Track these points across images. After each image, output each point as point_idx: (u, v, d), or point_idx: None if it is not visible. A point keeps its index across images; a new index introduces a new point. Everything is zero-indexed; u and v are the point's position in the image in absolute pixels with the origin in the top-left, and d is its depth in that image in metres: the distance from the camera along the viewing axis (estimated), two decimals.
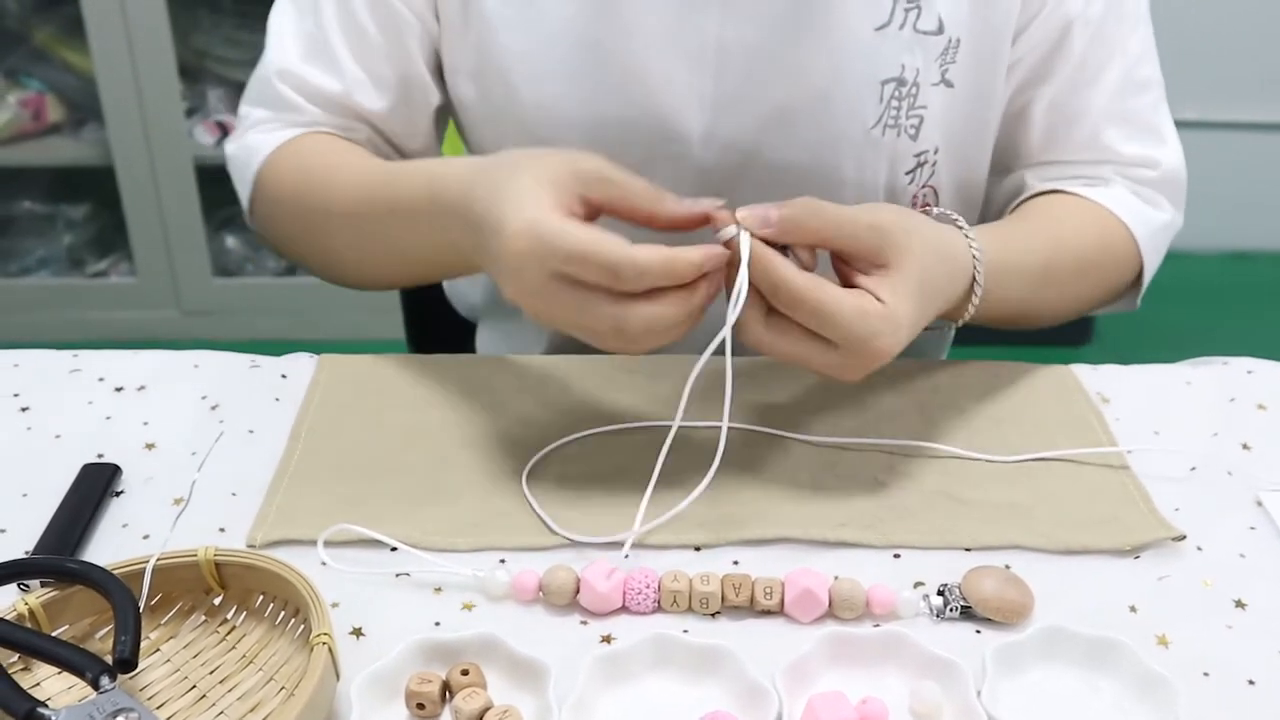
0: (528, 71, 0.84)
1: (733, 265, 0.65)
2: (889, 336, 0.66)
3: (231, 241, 2.34)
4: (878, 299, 0.66)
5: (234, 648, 0.62)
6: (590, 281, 0.63)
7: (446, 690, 0.58)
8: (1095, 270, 0.88)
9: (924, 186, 0.87)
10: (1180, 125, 0.93)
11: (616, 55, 0.82)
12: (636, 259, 0.62)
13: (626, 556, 0.68)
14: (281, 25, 0.87)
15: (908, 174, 0.87)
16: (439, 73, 0.89)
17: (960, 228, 0.76)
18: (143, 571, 0.60)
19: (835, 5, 0.80)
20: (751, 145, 0.85)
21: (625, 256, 0.62)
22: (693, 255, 0.63)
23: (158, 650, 0.62)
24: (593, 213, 0.67)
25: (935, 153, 0.86)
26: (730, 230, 0.65)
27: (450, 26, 0.85)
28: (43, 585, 0.61)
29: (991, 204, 0.95)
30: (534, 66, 0.83)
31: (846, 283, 0.68)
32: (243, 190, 0.89)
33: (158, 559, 0.61)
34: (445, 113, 0.93)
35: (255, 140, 0.87)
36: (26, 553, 0.67)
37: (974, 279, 0.75)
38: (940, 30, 0.82)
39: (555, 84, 0.83)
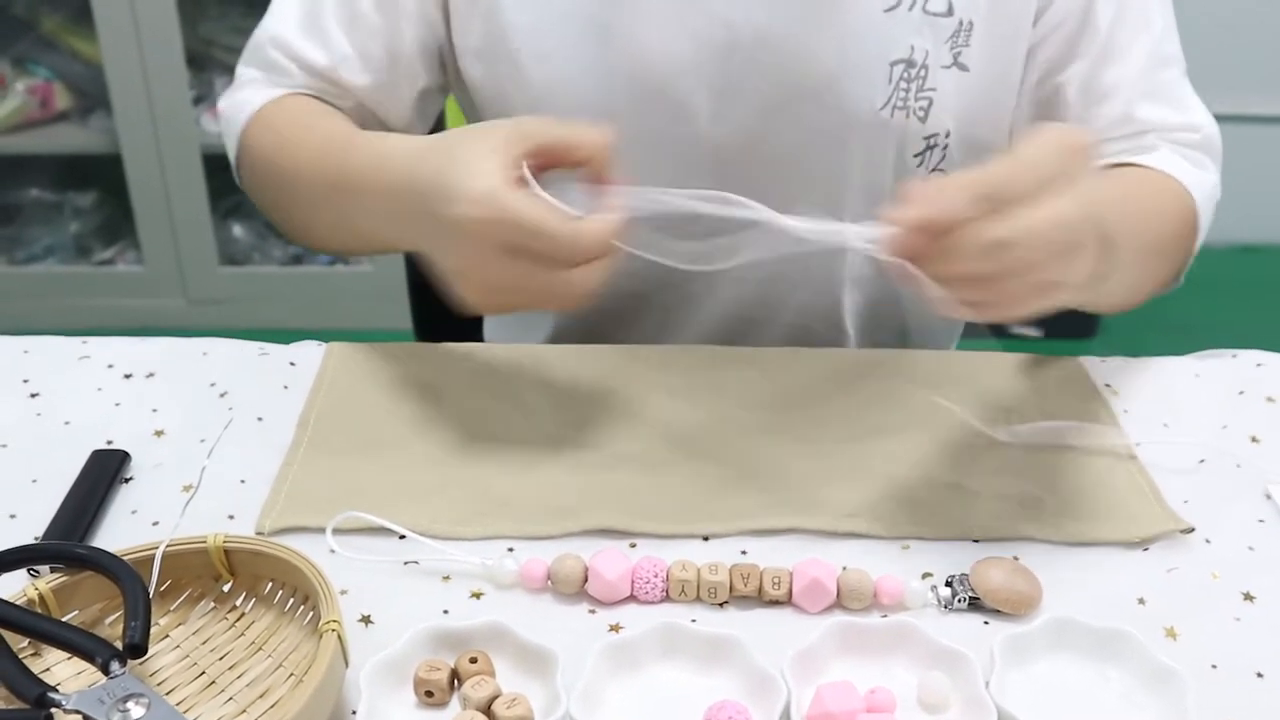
0: (535, 51, 0.84)
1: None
2: (1080, 134, 0.61)
3: (238, 230, 2.35)
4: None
5: (243, 634, 0.62)
6: (537, 251, 0.64)
7: (455, 678, 0.59)
8: (1173, 232, 0.86)
9: (934, 170, 0.87)
10: None
11: (624, 35, 0.82)
12: (581, 236, 0.64)
13: (633, 546, 0.68)
14: None
15: (916, 156, 0.86)
16: (434, 56, 0.90)
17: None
18: (152, 558, 0.60)
19: None
20: (760, 125, 0.85)
21: (573, 232, 0.64)
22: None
23: (167, 636, 0.62)
24: (544, 166, 0.68)
25: (946, 136, 0.86)
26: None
27: (459, 6, 0.86)
28: (53, 571, 0.61)
29: None
30: (541, 46, 0.84)
31: None
32: (231, 145, 0.91)
33: (168, 545, 0.61)
34: (433, 95, 0.93)
35: (244, 96, 0.89)
36: (36, 538, 0.67)
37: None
38: (950, 12, 0.82)
39: (563, 64, 0.84)
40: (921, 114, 0.84)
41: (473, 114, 0.93)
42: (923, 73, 0.83)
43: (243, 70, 0.92)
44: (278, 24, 0.89)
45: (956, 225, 0.59)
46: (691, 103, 0.84)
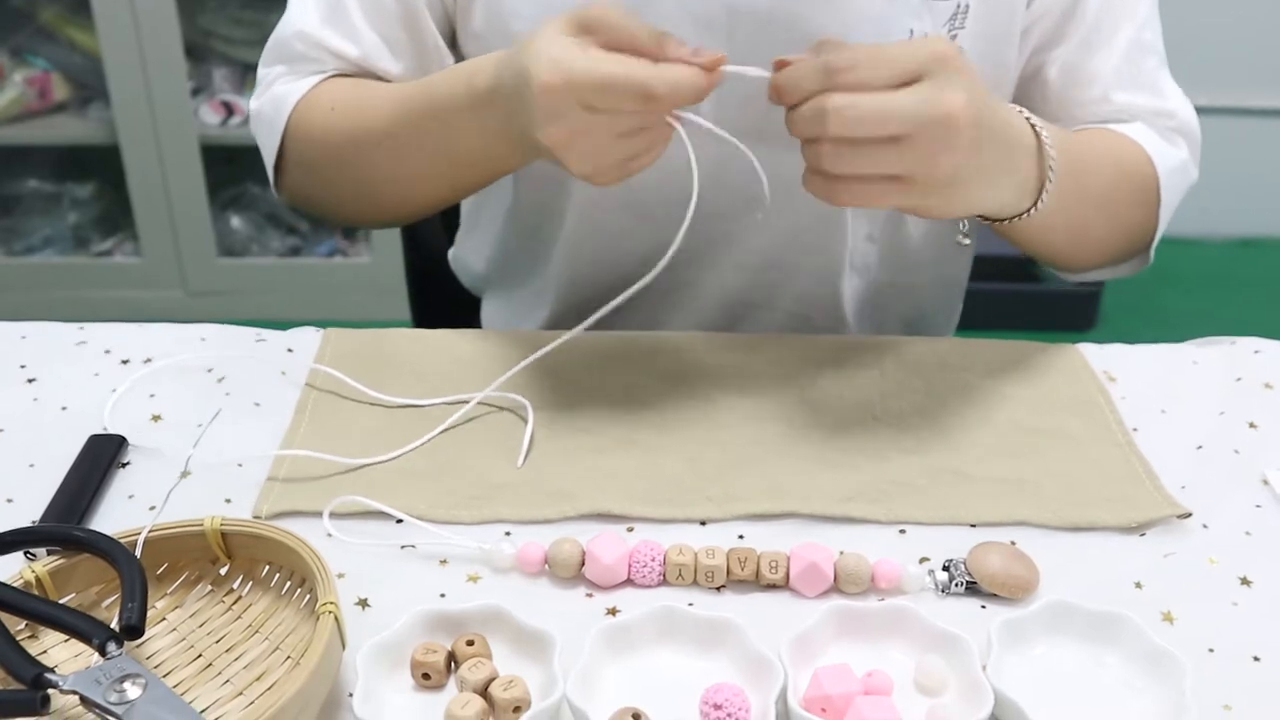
0: None
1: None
2: (960, 88, 0.65)
3: (236, 222, 2.34)
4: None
5: (240, 617, 0.62)
6: (626, 108, 0.65)
7: (452, 660, 0.59)
8: (1126, 184, 0.87)
9: None
10: None
11: None
12: (667, 77, 0.65)
13: (630, 530, 0.68)
14: None
15: None
16: (453, 38, 0.90)
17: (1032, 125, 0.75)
18: (149, 540, 0.60)
19: None
20: (762, 110, 0.84)
21: (655, 77, 0.65)
22: (715, 80, 0.67)
23: (164, 619, 0.62)
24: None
25: None
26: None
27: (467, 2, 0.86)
28: (49, 553, 0.61)
29: None
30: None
31: None
32: (271, 141, 0.89)
33: (157, 527, 0.61)
34: None
35: (282, 90, 0.88)
36: (33, 522, 0.67)
37: (1038, 136, 0.74)
38: None
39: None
40: None
41: None
42: None
43: (265, 70, 0.90)
44: (300, 18, 0.88)
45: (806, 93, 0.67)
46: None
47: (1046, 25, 0.87)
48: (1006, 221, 0.78)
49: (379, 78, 0.88)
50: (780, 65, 0.69)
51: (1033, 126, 0.75)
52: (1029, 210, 0.77)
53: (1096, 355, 0.85)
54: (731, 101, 0.84)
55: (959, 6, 0.82)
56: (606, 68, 0.65)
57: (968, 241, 0.88)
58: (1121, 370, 0.83)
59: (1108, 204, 0.86)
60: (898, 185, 0.67)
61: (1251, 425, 0.78)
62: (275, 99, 0.88)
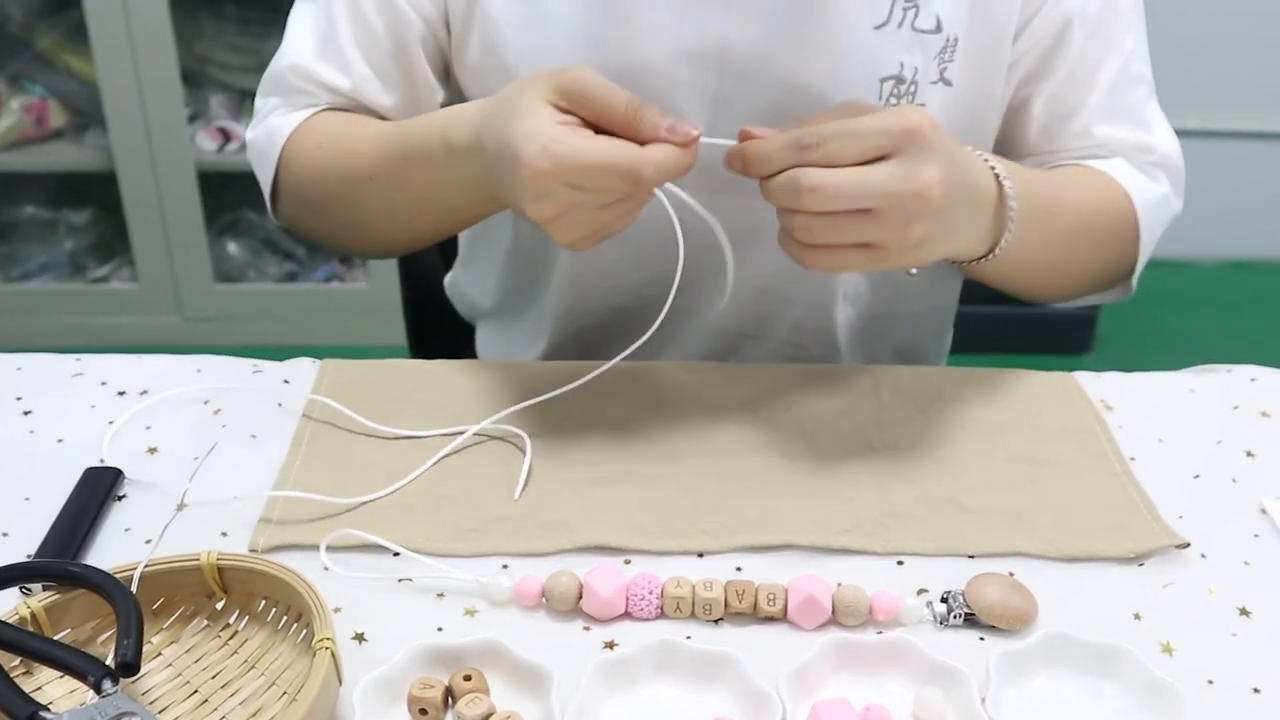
0: (531, 67, 0.83)
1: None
2: (933, 162, 0.67)
3: (233, 247, 2.34)
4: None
5: (236, 652, 0.62)
6: (613, 189, 0.67)
7: (449, 696, 0.58)
8: (1101, 215, 0.88)
9: None
10: (1181, 134, 0.93)
11: (619, 53, 0.82)
12: (654, 159, 0.66)
13: (628, 563, 0.68)
14: (300, 21, 0.90)
15: None
16: (444, 73, 0.90)
17: (974, 151, 0.77)
18: (145, 575, 0.60)
19: (835, 4, 0.81)
20: None
21: (642, 157, 0.66)
22: (695, 133, 0.68)
23: (159, 654, 0.61)
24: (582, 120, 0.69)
25: None
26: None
27: (458, 23, 0.86)
28: (44, 589, 0.60)
29: None
30: (537, 64, 0.83)
31: None
32: (266, 172, 0.90)
33: (146, 564, 0.61)
34: None
35: (276, 122, 0.89)
36: (28, 556, 0.67)
37: (1000, 186, 0.76)
38: (938, 29, 0.83)
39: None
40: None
41: None
42: (912, 89, 0.83)
43: (262, 101, 0.92)
44: (295, 52, 0.89)
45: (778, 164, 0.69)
46: (685, 118, 0.84)
47: (1034, 58, 0.87)
48: (967, 263, 0.80)
49: (371, 111, 0.89)
50: (745, 136, 0.71)
51: (996, 176, 0.76)
52: (988, 255, 0.79)
53: (1093, 384, 0.85)
54: (728, 130, 0.84)
55: (948, 40, 0.83)
56: (595, 154, 0.66)
57: (914, 272, 0.89)
58: (1118, 399, 0.83)
59: (1080, 241, 0.87)
60: (867, 252, 0.69)
61: (1249, 454, 0.78)
62: (270, 131, 0.89)
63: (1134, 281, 0.93)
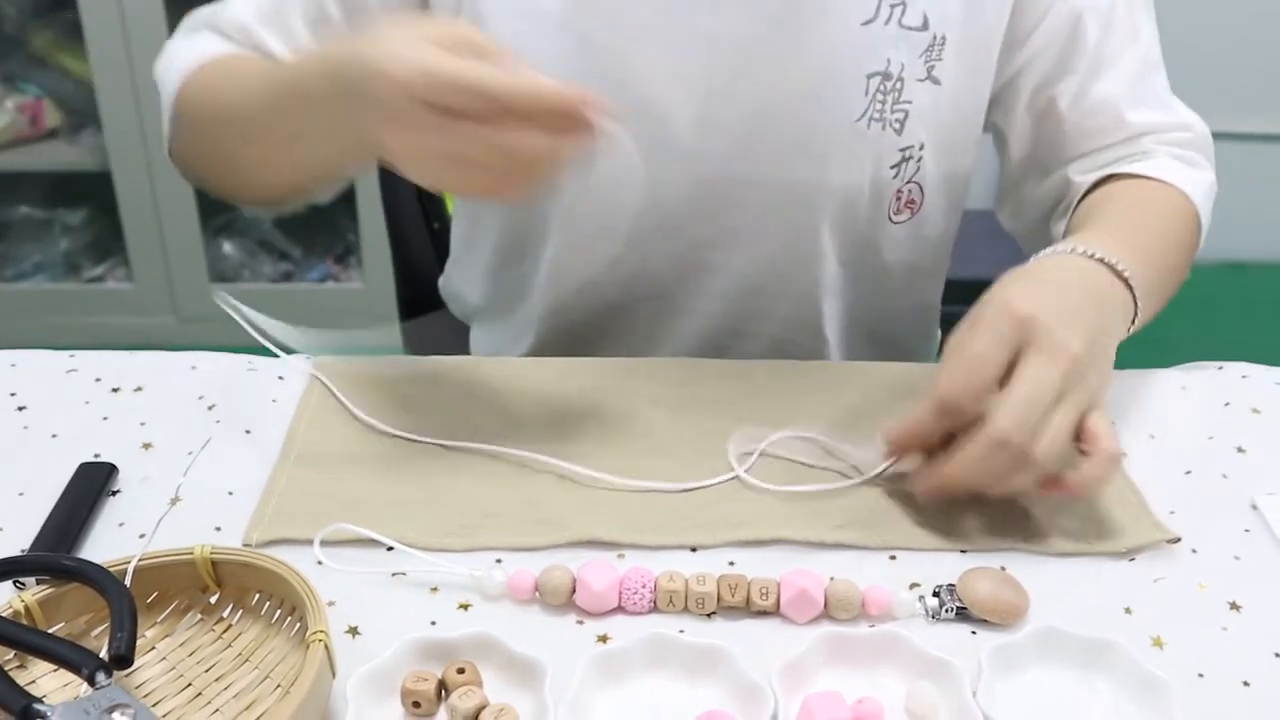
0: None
1: None
2: (1078, 356, 0.67)
3: (228, 247, 2.35)
4: (1039, 353, 0.67)
5: (230, 646, 0.62)
6: (464, 108, 0.62)
7: (442, 689, 0.58)
8: (1175, 237, 0.88)
9: (909, 182, 0.88)
10: None
11: (606, 47, 0.82)
12: (520, 91, 0.62)
13: (621, 556, 0.68)
14: None
15: (893, 168, 0.87)
16: None
17: (1073, 251, 0.75)
18: (139, 569, 0.60)
19: (821, 0, 0.81)
20: (740, 136, 0.85)
21: (488, 76, 0.62)
22: (565, 90, 0.64)
23: (153, 648, 0.61)
24: None
25: (920, 149, 0.87)
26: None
27: (441, 9, 0.86)
28: (39, 582, 0.61)
29: (1034, 208, 0.95)
30: (524, 58, 0.83)
31: None
32: (167, 99, 0.88)
33: (140, 558, 0.60)
34: None
35: (190, 44, 0.86)
36: (23, 550, 0.67)
37: (1129, 290, 0.75)
38: (925, 26, 0.83)
39: (545, 76, 0.83)
40: (898, 126, 0.85)
41: None
42: (898, 85, 0.84)
43: (190, 24, 0.89)
44: (234, 7, 0.86)
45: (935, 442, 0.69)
46: (673, 114, 0.84)
47: (1048, 58, 0.87)
48: None
49: None
50: (897, 442, 0.71)
51: (1124, 278, 0.75)
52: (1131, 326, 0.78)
53: None
54: (716, 126, 0.84)
55: (935, 38, 0.83)
56: (451, 67, 0.62)
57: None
58: (1110, 396, 0.83)
59: (1174, 270, 0.87)
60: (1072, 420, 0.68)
61: (1240, 450, 0.79)
62: (183, 49, 0.86)
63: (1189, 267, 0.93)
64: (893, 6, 0.82)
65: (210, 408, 0.79)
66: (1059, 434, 0.66)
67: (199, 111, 0.85)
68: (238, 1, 0.87)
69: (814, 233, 0.89)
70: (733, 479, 0.73)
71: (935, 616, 0.65)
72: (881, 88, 0.83)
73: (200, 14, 0.88)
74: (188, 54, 0.86)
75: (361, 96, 0.65)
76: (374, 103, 0.64)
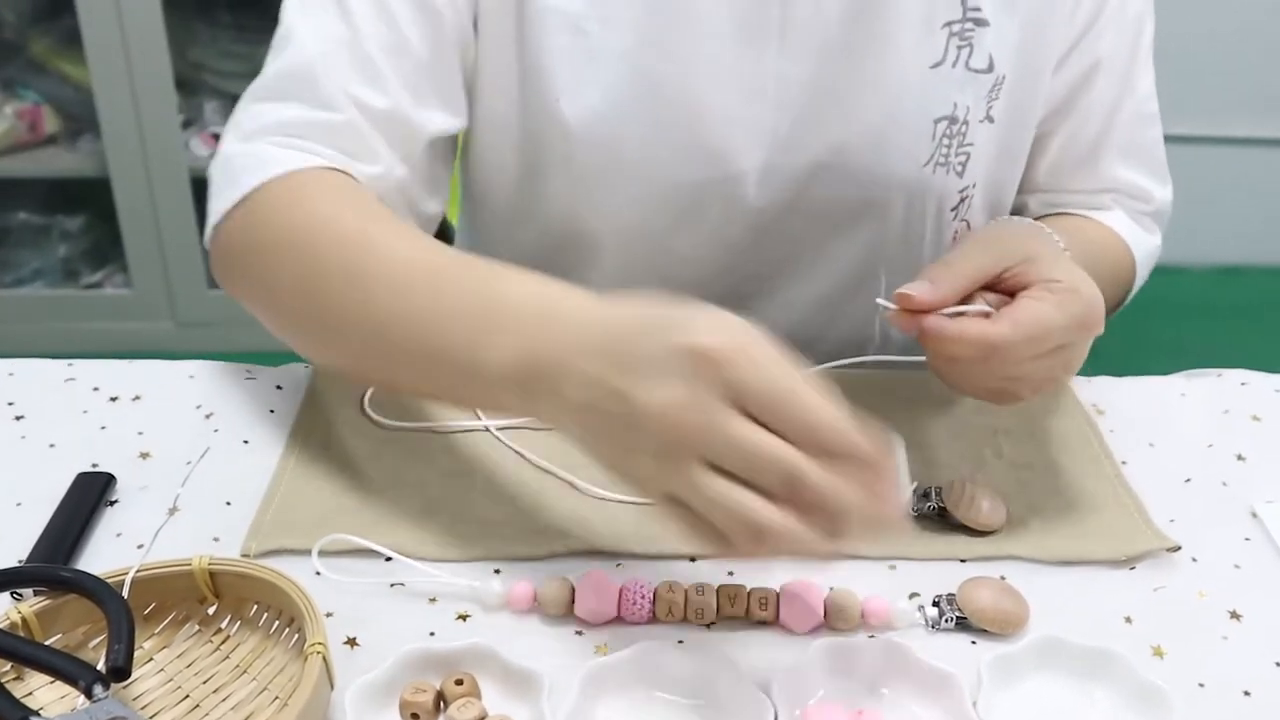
0: (578, 103, 0.78)
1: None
2: (1094, 302, 0.67)
3: None
4: (1054, 281, 0.66)
5: (228, 657, 0.62)
6: (769, 424, 0.51)
7: (441, 700, 0.58)
8: (1122, 284, 0.91)
9: (961, 220, 0.88)
10: (1173, 140, 0.94)
11: (674, 89, 0.78)
12: (840, 423, 0.52)
13: (619, 567, 0.68)
14: (305, 21, 0.75)
15: (952, 210, 0.87)
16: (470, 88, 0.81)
17: (1042, 229, 0.77)
18: (136, 580, 0.60)
19: (891, 41, 0.79)
20: (804, 181, 0.83)
21: (831, 413, 0.51)
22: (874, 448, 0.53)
23: (151, 659, 0.61)
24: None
25: (973, 188, 0.86)
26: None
27: (496, 43, 0.79)
28: (36, 594, 0.60)
29: None
30: (586, 98, 0.78)
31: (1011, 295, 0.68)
32: (226, 196, 0.73)
33: (145, 568, 0.60)
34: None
35: (271, 151, 0.73)
36: (20, 561, 0.67)
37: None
38: (990, 68, 0.82)
39: (607, 118, 0.79)
40: (960, 169, 0.85)
41: (466, 147, 0.87)
42: (963, 129, 0.83)
43: (264, 108, 0.75)
44: (318, 53, 0.73)
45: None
46: (738, 155, 0.81)
47: (1060, 97, 0.88)
48: None
49: (406, 134, 0.77)
50: (905, 300, 0.67)
51: None
52: None
53: (1085, 388, 0.85)
54: (781, 170, 0.83)
55: (998, 79, 0.82)
56: (787, 370, 0.52)
57: None
58: (1109, 403, 0.84)
59: (1111, 291, 0.89)
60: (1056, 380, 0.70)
61: (1239, 458, 0.79)
62: (261, 156, 0.73)
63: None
64: (959, 48, 0.80)
65: (208, 417, 0.79)
66: (1037, 375, 0.67)
67: (281, 272, 0.70)
68: (310, 42, 0.74)
69: (873, 273, 0.88)
70: None
71: (935, 626, 0.65)
72: (948, 132, 0.82)
73: (285, 71, 0.75)
74: (278, 159, 0.72)
75: (627, 359, 0.53)
76: (661, 367, 0.52)
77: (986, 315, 0.66)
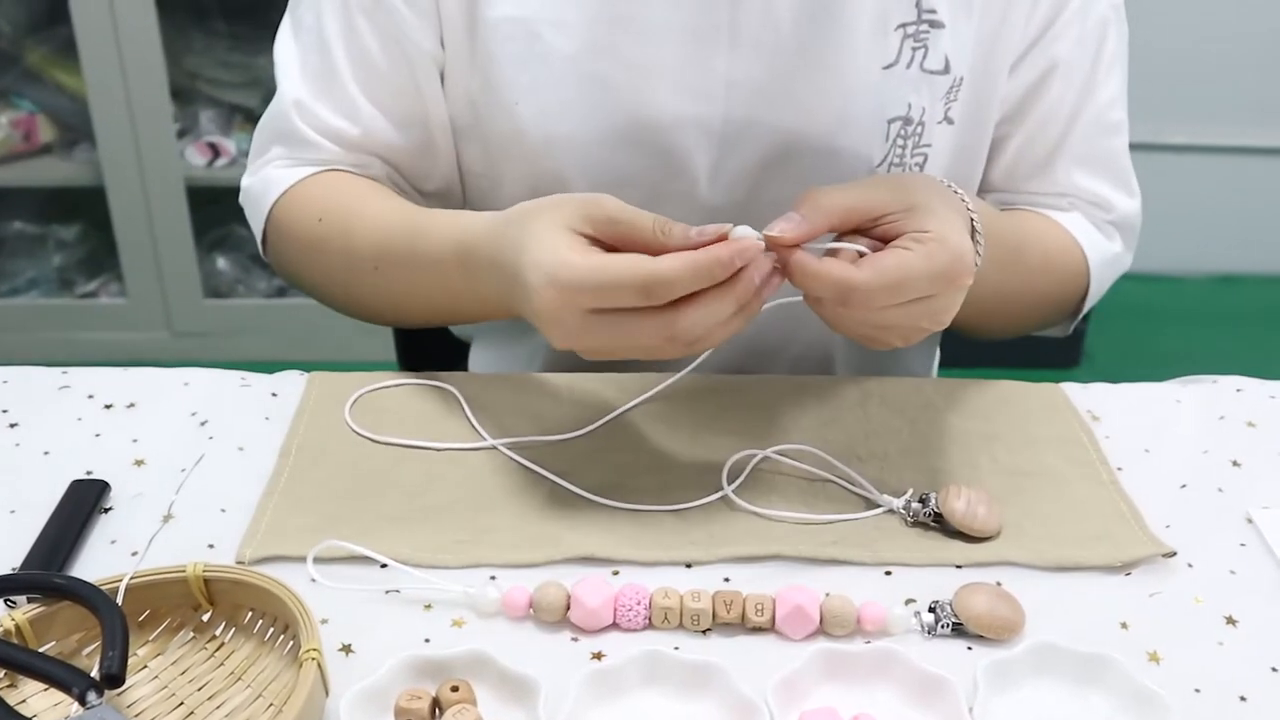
0: (534, 107, 0.82)
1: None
2: (961, 255, 0.66)
3: (222, 263, 2.34)
4: (924, 231, 0.66)
5: (222, 664, 0.61)
6: (627, 306, 0.63)
7: (436, 707, 0.58)
8: (1055, 270, 0.89)
9: None
10: (1168, 150, 0.95)
11: (624, 92, 0.81)
12: (661, 272, 0.62)
13: (616, 573, 0.68)
14: (289, 58, 0.86)
15: None
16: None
17: (949, 186, 0.75)
18: (130, 587, 0.60)
19: (844, 43, 0.80)
20: (757, 182, 0.84)
21: (650, 274, 0.62)
22: (720, 253, 0.63)
23: (145, 667, 0.61)
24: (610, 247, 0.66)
25: None
26: (742, 230, 0.64)
27: (455, 55, 0.84)
28: (30, 601, 0.60)
29: None
30: (541, 102, 0.82)
31: (886, 242, 0.68)
32: (256, 224, 0.88)
33: (140, 575, 0.60)
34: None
35: (272, 174, 0.86)
36: (14, 568, 0.67)
37: (973, 226, 0.73)
38: (946, 70, 0.82)
39: (562, 121, 0.82)
40: (917, 170, 0.85)
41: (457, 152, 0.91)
42: (919, 129, 0.83)
43: (262, 148, 0.88)
44: (293, 90, 0.85)
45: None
46: (690, 158, 0.83)
47: (1014, 99, 0.88)
48: None
49: (379, 155, 0.87)
50: (773, 241, 0.67)
51: (971, 221, 0.74)
52: None
53: (1080, 395, 0.85)
54: (732, 171, 0.83)
55: (955, 80, 0.83)
56: (600, 272, 0.63)
57: None
58: (1105, 410, 0.84)
59: (1030, 291, 0.88)
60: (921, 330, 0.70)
61: (1235, 464, 0.79)
62: (265, 180, 0.87)
63: (1072, 326, 0.95)
64: (914, 49, 0.81)
65: (203, 424, 0.79)
66: (904, 324, 0.68)
67: (304, 251, 0.86)
68: (292, 82, 0.85)
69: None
70: (724, 496, 0.73)
71: (931, 632, 0.65)
72: (902, 132, 0.82)
73: (272, 115, 0.87)
74: (278, 179, 0.86)
75: (519, 298, 0.67)
76: (535, 314, 0.66)
77: (861, 257, 0.66)
